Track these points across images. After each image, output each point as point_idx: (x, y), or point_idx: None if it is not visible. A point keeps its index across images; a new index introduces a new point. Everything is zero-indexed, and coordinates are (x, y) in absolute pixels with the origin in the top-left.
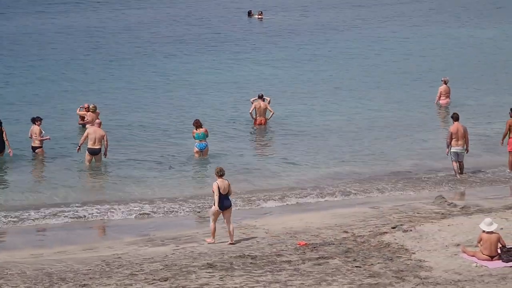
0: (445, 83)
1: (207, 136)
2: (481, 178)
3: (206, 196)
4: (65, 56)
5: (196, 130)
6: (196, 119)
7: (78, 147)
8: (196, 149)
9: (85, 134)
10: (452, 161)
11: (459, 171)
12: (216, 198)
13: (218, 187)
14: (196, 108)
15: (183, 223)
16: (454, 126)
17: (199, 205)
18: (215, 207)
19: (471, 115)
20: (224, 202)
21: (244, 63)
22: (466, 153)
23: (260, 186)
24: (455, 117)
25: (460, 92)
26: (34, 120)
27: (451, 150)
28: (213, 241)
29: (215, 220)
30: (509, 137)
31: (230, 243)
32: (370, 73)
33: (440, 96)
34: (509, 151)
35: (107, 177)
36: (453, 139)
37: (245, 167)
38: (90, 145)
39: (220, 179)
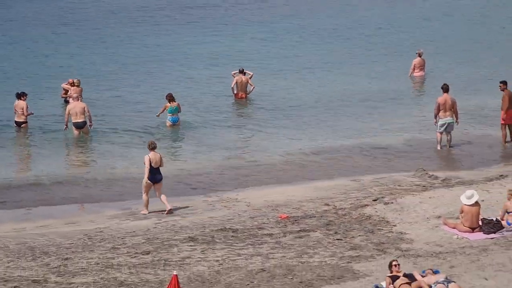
0: (420, 55)
1: (179, 110)
2: (462, 151)
3: (184, 170)
4: (45, 32)
5: (169, 103)
6: (169, 93)
7: (65, 125)
8: (169, 122)
9: (67, 111)
10: (437, 132)
11: (448, 143)
12: (147, 170)
13: (150, 160)
14: (177, 82)
15: (165, 197)
16: (442, 97)
17: (177, 180)
18: (146, 180)
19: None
20: (156, 175)
21: (225, 38)
22: (456, 124)
23: (240, 160)
24: (445, 88)
25: (438, 64)
26: (20, 96)
27: (439, 121)
28: (146, 212)
29: (147, 192)
30: (505, 110)
31: (168, 211)
32: (347, 47)
33: (414, 69)
34: (503, 124)
35: (90, 152)
36: (441, 110)
37: (225, 141)
38: (73, 119)
39: (152, 152)
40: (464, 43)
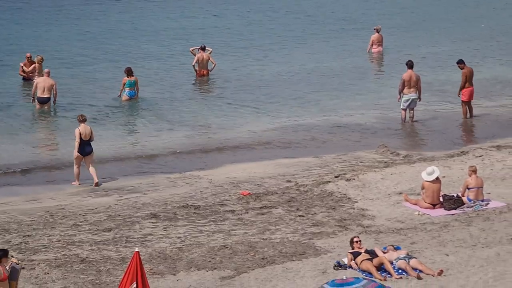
0: (378, 31)
1: (137, 84)
2: (424, 127)
3: (145, 146)
4: (8, 8)
5: (128, 77)
6: (128, 67)
7: (32, 98)
8: (125, 96)
9: (34, 84)
10: (401, 108)
11: (410, 119)
12: (76, 143)
13: (80, 133)
14: (140, 58)
15: (126, 174)
16: (407, 73)
17: (138, 156)
18: (76, 153)
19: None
20: (86, 148)
21: (189, 15)
22: (419, 101)
23: (202, 136)
24: (409, 65)
25: (397, 40)
26: None
27: (403, 98)
28: (77, 183)
29: (78, 165)
30: (464, 88)
31: (95, 184)
32: (306, 24)
33: (372, 45)
34: (463, 101)
35: (51, 128)
36: (406, 87)
37: (186, 117)
38: (39, 94)
39: (83, 125)
40: (427, 19)
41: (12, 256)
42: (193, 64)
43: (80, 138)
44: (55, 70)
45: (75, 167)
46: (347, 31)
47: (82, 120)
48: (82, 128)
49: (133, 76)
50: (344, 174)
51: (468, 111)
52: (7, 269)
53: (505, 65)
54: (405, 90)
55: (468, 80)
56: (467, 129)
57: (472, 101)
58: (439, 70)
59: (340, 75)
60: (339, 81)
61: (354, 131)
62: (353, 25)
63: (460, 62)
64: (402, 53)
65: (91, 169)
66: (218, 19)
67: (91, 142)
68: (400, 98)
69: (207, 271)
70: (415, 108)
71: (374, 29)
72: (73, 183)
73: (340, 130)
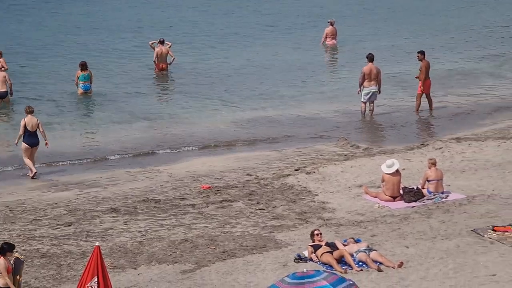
0: (332, 24)
1: (91, 78)
2: (384, 120)
3: (105, 141)
4: None
5: (81, 71)
6: (83, 61)
7: None
8: (80, 90)
9: None
10: (361, 101)
11: (371, 112)
12: (19, 134)
13: (25, 124)
14: (99, 52)
15: (86, 168)
16: (367, 67)
17: (97, 150)
18: (25, 144)
19: (360, 56)
20: (32, 139)
21: (147, 8)
22: (379, 94)
23: (161, 130)
24: (370, 58)
25: (353, 33)
26: None
27: (363, 91)
28: (31, 173)
29: (28, 156)
30: (424, 80)
31: (34, 176)
32: (264, 17)
33: (326, 37)
34: (420, 94)
35: (8, 122)
36: (366, 80)
37: (145, 111)
38: None
39: (29, 116)
40: (384, 12)
41: (16, 251)
42: (154, 59)
43: (26, 129)
44: (12, 64)
45: (25, 159)
46: (304, 24)
47: (29, 111)
48: (28, 119)
49: (87, 70)
50: (304, 167)
51: (428, 104)
52: (11, 263)
53: (464, 57)
54: (365, 83)
55: (427, 72)
56: (426, 121)
57: (429, 93)
58: (397, 63)
59: (297, 69)
60: (296, 74)
61: (314, 124)
62: (309, 18)
63: (421, 53)
64: (357, 45)
65: (33, 161)
66: (178, 13)
67: (38, 133)
68: (360, 91)
69: (168, 264)
70: (375, 101)
71: (328, 22)
72: (28, 174)
73: (299, 123)
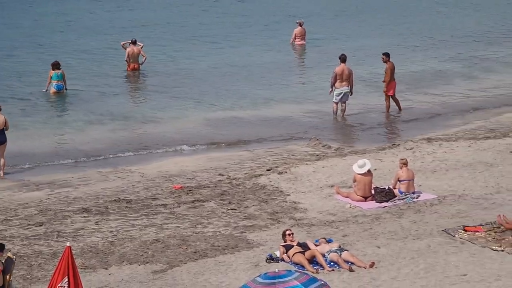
0: (300, 25)
1: (64, 78)
2: (355, 120)
3: (75, 140)
4: None
5: (54, 70)
6: (55, 61)
7: None
8: (53, 89)
9: None
10: (333, 102)
11: (342, 112)
12: None
13: None
14: (71, 52)
15: (57, 168)
16: (340, 67)
17: (69, 149)
18: None
19: (330, 57)
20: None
21: (119, 8)
22: (351, 95)
23: (134, 130)
24: (342, 58)
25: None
26: None
27: (335, 91)
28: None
29: None
30: (389, 82)
31: (1, 177)
32: (233, 18)
33: (295, 38)
34: (388, 95)
35: None
36: (338, 80)
37: (117, 111)
38: None
39: None
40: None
41: (9, 250)
42: (125, 59)
43: None
44: None
45: None
46: (275, 24)
47: None
48: None
49: (60, 69)
50: (276, 167)
51: (396, 105)
52: (2, 262)
53: (435, 59)
54: (337, 84)
55: (392, 74)
56: (398, 122)
57: (394, 95)
58: (369, 64)
59: (269, 69)
60: (268, 75)
61: (286, 124)
62: (281, 18)
63: (385, 54)
64: (327, 46)
65: (2, 161)
66: (151, 13)
67: (5, 132)
68: (332, 91)
69: (139, 265)
70: (347, 102)
71: (297, 22)
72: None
73: (271, 124)
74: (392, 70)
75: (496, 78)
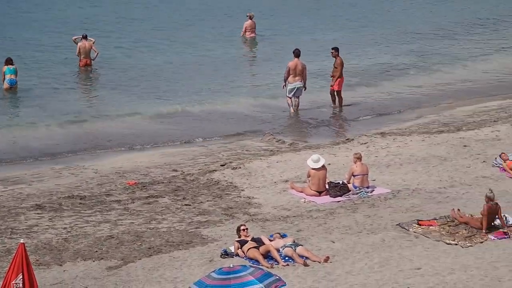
0: (250, 18)
1: (17, 73)
2: (309, 115)
3: (28, 136)
4: None
5: (7, 65)
6: (8, 57)
7: None
8: (6, 84)
9: None
10: (287, 96)
11: (296, 107)
12: None
13: None
14: (21, 47)
15: (10, 165)
16: (293, 62)
17: (21, 146)
18: None
19: (281, 50)
20: None
21: (72, 3)
22: (304, 90)
23: (86, 126)
24: (296, 53)
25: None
26: None
27: (288, 86)
28: None
29: None
30: (338, 78)
31: None
32: (186, 11)
33: (245, 31)
34: (337, 91)
35: None
36: (291, 75)
37: (69, 107)
38: None
39: None
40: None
41: None
42: (76, 54)
43: None
44: None
45: None
46: (226, 18)
47: None
48: None
49: (13, 64)
50: (230, 162)
51: (338, 102)
52: None
53: (388, 52)
54: (290, 79)
55: (341, 69)
56: (351, 117)
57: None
58: (323, 58)
59: (221, 63)
60: (221, 68)
61: (239, 119)
62: (231, 11)
63: (335, 49)
64: (278, 39)
65: None
66: (103, 8)
67: None
68: (285, 86)
69: (93, 261)
70: (300, 96)
71: (247, 15)
72: None
73: (224, 119)
74: (341, 65)
75: (448, 72)
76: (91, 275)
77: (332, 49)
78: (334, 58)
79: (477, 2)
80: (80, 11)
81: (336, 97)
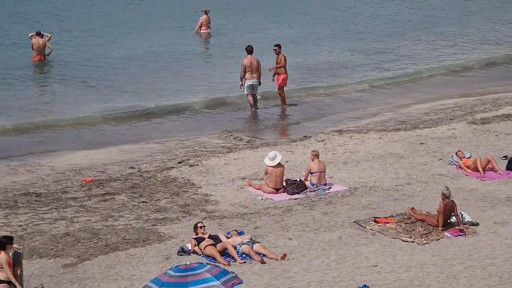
0: (206, 13)
1: None
2: (267, 113)
3: None
4: None
5: None
6: None
7: None
8: None
9: None
10: (247, 94)
11: (254, 104)
12: None
13: None
14: None
15: None
16: (248, 59)
17: None
18: None
19: (237, 46)
20: None
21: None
22: (259, 85)
23: (41, 123)
24: (249, 50)
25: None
26: None
27: (246, 83)
28: None
29: None
30: (279, 74)
31: None
32: (143, 7)
33: (201, 26)
34: (281, 87)
35: None
36: (247, 72)
37: (24, 104)
38: None
39: None
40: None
41: (14, 243)
42: (32, 49)
43: None
44: None
45: None
46: (181, 13)
47: None
48: None
49: None
50: (188, 159)
51: (281, 98)
52: (10, 255)
53: (343, 50)
54: (247, 76)
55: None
56: (308, 114)
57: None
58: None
59: (178, 59)
60: (177, 65)
61: (196, 116)
62: (186, 6)
63: (278, 46)
64: (232, 35)
65: None
66: (58, 3)
67: None
68: (242, 84)
69: (49, 259)
70: (256, 93)
71: (203, 10)
72: None
73: (182, 115)
74: (285, 62)
75: (401, 70)
76: (46, 272)
77: (275, 46)
78: (277, 55)
79: (426, 1)
80: (38, 6)
81: (280, 93)
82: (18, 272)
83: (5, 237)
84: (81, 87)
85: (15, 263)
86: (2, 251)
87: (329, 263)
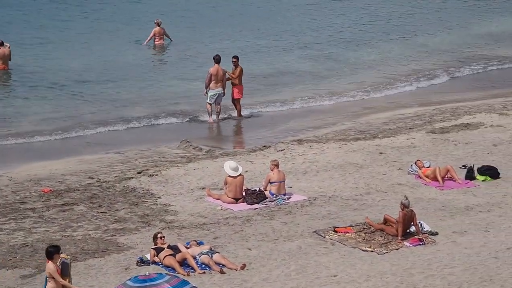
0: (158, 25)
1: None
2: (227, 122)
3: None
4: None
5: None
6: None
7: None
8: None
9: None
10: (207, 103)
11: (217, 114)
12: None
13: None
14: None
15: None
16: (214, 68)
17: None
18: None
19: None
20: None
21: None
22: (224, 95)
23: (1, 132)
24: (217, 59)
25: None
26: None
27: (210, 93)
28: None
29: None
30: (234, 85)
31: None
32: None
33: (154, 37)
34: (237, 99)
35: None
36: (213, 81)
37: None
38: None
39: None
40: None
41: (61, 252)
42: None
43: None
44: None
45: None
46: (138, 23)
47: None
48: None
49: None
50: (147, 169)
51: (236, 110)
52: (58, 265)
53: (300, 59)
54: (212, 85)
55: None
56: (268, 124)
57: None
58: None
59: (135, 70)
60: (135, 76)
61: (156, 126)
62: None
63: (236, 58)
64: (186, 46)
65: None
66: (20, 12)
67: None
68: (206, 93)
69: (7, 269)
70: (220, 103)
71: (155, 22)
72: None
73: (141, 126)
74: (241, 73)
75: (361, 78)
76: (4, 284)
77: (234, 57)
78: (235, 67)
79: (377, 9)
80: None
81: (236, 105)
82: (67, 281)
83: (52, 246)
84: (41, 97)
85: (63, 273)
86: (50, 261)
87: (288, 273)
